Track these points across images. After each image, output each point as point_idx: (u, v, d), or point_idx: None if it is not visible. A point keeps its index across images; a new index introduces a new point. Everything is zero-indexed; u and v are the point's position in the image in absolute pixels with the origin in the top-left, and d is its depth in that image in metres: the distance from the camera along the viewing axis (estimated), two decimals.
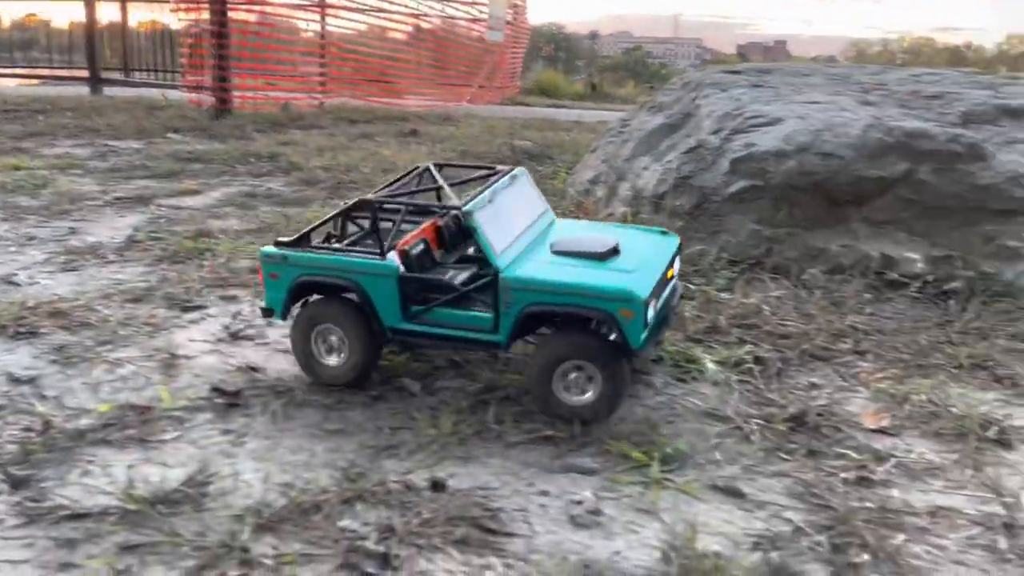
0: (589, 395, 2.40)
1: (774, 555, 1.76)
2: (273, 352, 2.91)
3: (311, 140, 7.91)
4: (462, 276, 2.65)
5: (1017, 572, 1.74)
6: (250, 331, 3.09)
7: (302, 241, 2.66)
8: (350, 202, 2.74)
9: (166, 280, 3.65)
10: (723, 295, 3.47)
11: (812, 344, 3.03)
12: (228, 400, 2.49)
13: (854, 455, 2.27)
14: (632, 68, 44.26)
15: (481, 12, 15.26)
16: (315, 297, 2.65)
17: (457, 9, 15.59)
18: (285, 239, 2.65)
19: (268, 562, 1.66)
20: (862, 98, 4.43)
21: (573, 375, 2.41)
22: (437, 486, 1.96)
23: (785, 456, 2.28)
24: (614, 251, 2.56)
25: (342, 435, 2.31)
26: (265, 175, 6.39)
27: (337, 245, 2.70)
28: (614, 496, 2.04)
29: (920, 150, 3.88)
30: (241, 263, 3.96)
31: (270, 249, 2.63)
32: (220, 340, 3.00)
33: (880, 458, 2.26)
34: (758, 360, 2.90)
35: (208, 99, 9.66)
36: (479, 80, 16.06)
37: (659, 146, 4.62)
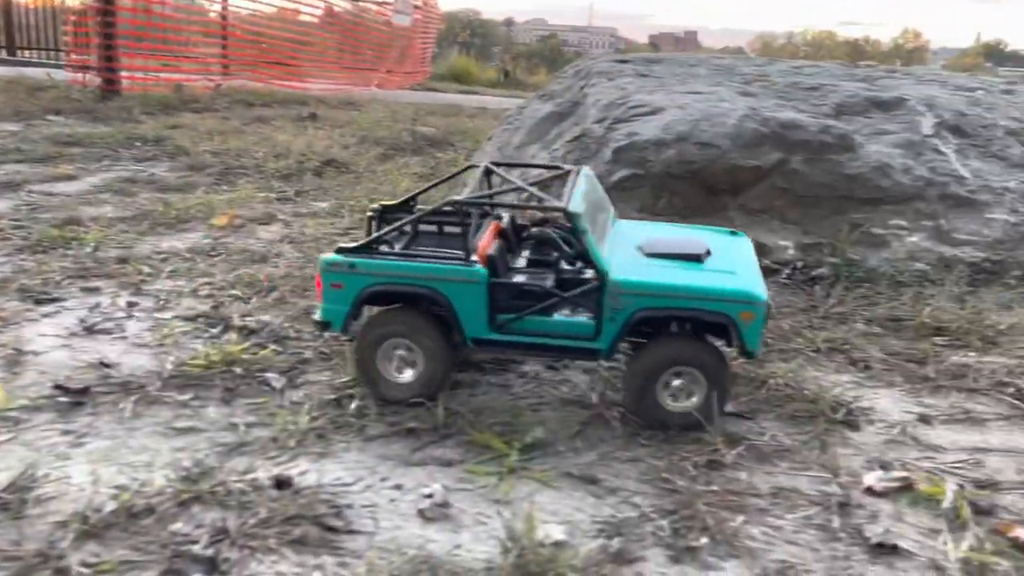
0: (694, 400, 2.33)
1: (614, 541, 1.77)
2: (130, 347, 2.78)
3: (202, 123, 7.61)
4: (545, 281, 2.48)
5: (845, 549, 1.81)
6: (107, 325, 2.94)
7: (367, 248, 2.41)
8: (436, 205, 2.50)
9: (23, 271, 3.44)
10: None
11: None
12: (73, 398, 2.36)
13: (708, 439, 2.31)
14: (547, 56, 44.49)
15: None
16: (375, 309, 2.45)
17: None
18: (348, 246, 2.41)
19: (85, 571, 1.57)
20: (743, 89, 4.54)
21: (676, 382, 2.33)
22: (282, 484, 1.90)
23: (644, 442, 2.31)
24: (708, 253, 2.49)
25: (193, 433, 2.22)
26: (149, 160, 6.12)
27: (403, 251, 2.48)
28: (469, 488, 2.03)
29: (793, 140, 4.01)
30: (110, 252, 3.77)
31: (334, 257, 2.38)
32: (73, 335, 2.85)
33: (733, 442, 2.31)
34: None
35: (94, 79, 9.19)
36: (388, 65, 15.82)
37: (548, 134, 4.63)
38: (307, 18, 14.82)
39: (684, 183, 3.92)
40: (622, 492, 2.04)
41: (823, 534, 1.87)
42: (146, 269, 3.55)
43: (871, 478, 2.10)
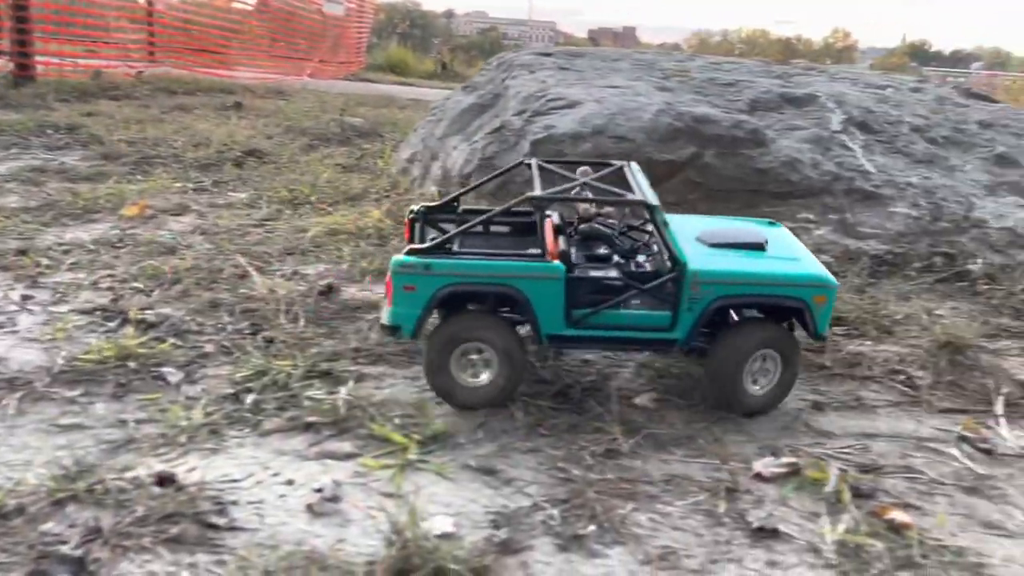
0: (762, 384, 2.43)
1: (502, 532, 1.78)
2: (21, 342, 2.67)
3: (120, 111, 7.36)
4: (612, 274, 2.48)
5: (728, 534, 1.85)
6: None
7: (438, 249, 2.36)
8: (514, 201, 2.49)
9: None
10: None
11: None
12: None
13: (609, 428, 2.34)
14: (487, 49, 44.39)
15: None
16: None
17: None
18: (419, 247, 2.35)
19: None
20: (661, 84, 4.60)
21: (757, 365, 2.40)
22: (164, 481, 1.85)
23: (544, 432, 2.32)
24: (767, 242, 2.58)
25: (78, 430, 2.15)
26: (61, 148, 5.89)
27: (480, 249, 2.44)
28: (363, 482, 2.01)
29: (707, 135, 4.08)
30: (9, 244, 3.62)
31: (407, 258, 2.31)
32: None
33: (633, 431, 2.34)
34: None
35: (6, 65, 8.79)
36: (321, 54, 15.56)
37: (470, 126, 4.61)
38: (240, 5, 14.46)
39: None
40: (518, 482, 2.04)
41: (709, 519, 1.91)
42: (45, 261, 3.41)
43: (760, 464, 2.16)
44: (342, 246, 3.81)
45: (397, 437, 2.21)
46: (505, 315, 2.48)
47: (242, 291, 3.15)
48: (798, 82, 5.06)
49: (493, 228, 2.70)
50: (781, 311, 2.46)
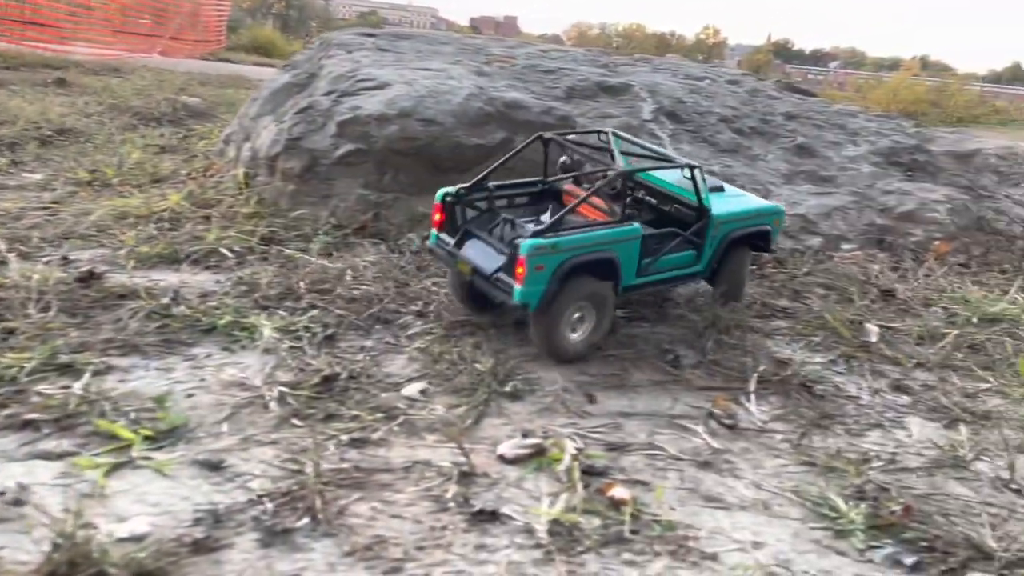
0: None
1: (200, 530, 1.68)
2: None
3: None
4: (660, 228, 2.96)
5: (448, 519, 1.82)
6: None
7: (556, 227, 2.61)
8: (608, 176, 2.82)
9: None
10: (316, 261, 3.38)
11: (383, 307, 3.04)
12: None
13: (367, 416, 2.28)
14: None
15: None
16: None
17: None
18: (540, 228, 2.60)
19: None
20: (479, 69, 4.56)
21: None
22: None
23: (298, 423, 2.24)
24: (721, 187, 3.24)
25: None
26: None
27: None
28: (68, 483, 1.86)
29: (518, 120, 4.07)
30: None
31: (538, 240, 2.53)
32: None
33: (391, 417, 2.29)
34: (326, 326, 2.86)
35: None
36: (173, 31, 14.76)
37: (283, 105, 4.44)
38: None
39: (409, 159, 3.88)
40: (244, 477, 1.95)
41: (434, 505, 1.88)
42: None
43: (505, 446, 2.15)
44: (128, 230, 3.58)
45: (124, 433, 2.06)
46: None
47: None
48: (621, 71, 5.15)
49: (516, 199, 3.05)
50: (756, 236, 3.13)
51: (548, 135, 3.11)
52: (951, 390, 2.80)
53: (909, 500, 2.03)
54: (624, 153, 3.17)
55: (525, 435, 2.24)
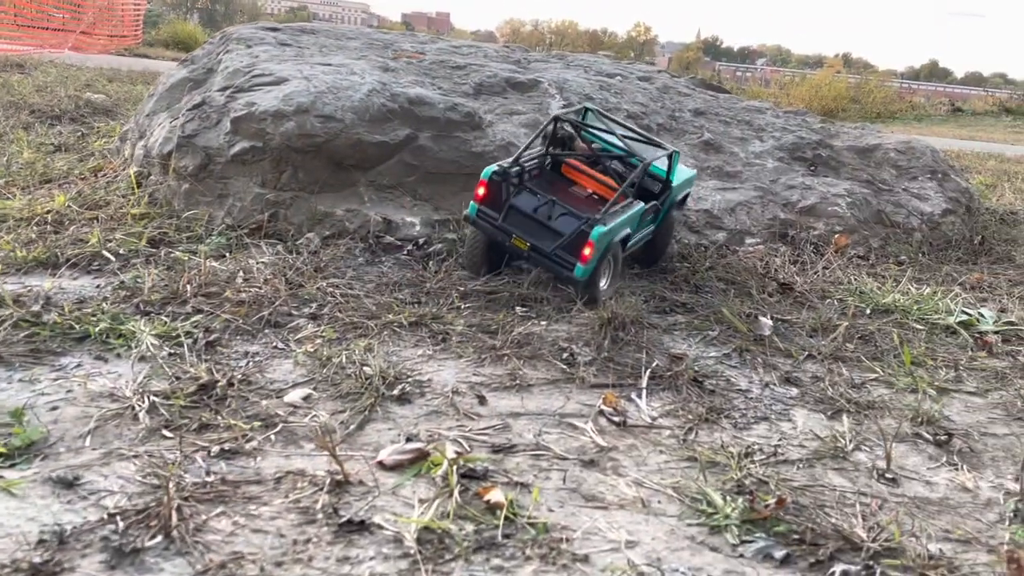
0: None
1: (38, 553, 1.58)
2: None
3: None
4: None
5: (314, 532, 1.75)
6: None
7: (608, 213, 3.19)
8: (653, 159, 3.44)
9: None
10: (206, 263, 3.26)
11: (274, 311, 2.95)
12: None
13: (243, 425, 2.19)
14: None
15: None
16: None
17: None
18: (603, 216, 3.12)
19: None
20: (384, 65, 4.48)
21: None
22: None
23: (168, 434, 2.13)
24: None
25: None
26: None
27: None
28: None
29: (422, 117, 4.01)
30: None
31: (604, 227, 3.08)
32: None
33: (270, 425, 2.21)
34: (208, 331, 2.75)
35: None
36: (83, 26, 14.19)
37: (179, 101, 4.28)
38: None
39: (308, 157, 3.78)
40: (100, 494, 1.84)
41: (301, 517, 1.80)
42: None
43: (384, 452, 2.09)
44: (6, 234, 3.39)
45: None
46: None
47: None
48: (533, 68, 5.13)
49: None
50: (684, 199, 3.92)
51: (561, 115, 3.52)
52: (838, 381, 2.85)
53: (783, 493, 2.04)
54: (604, 130, 3.67)
55: (408, 440, 2.19)
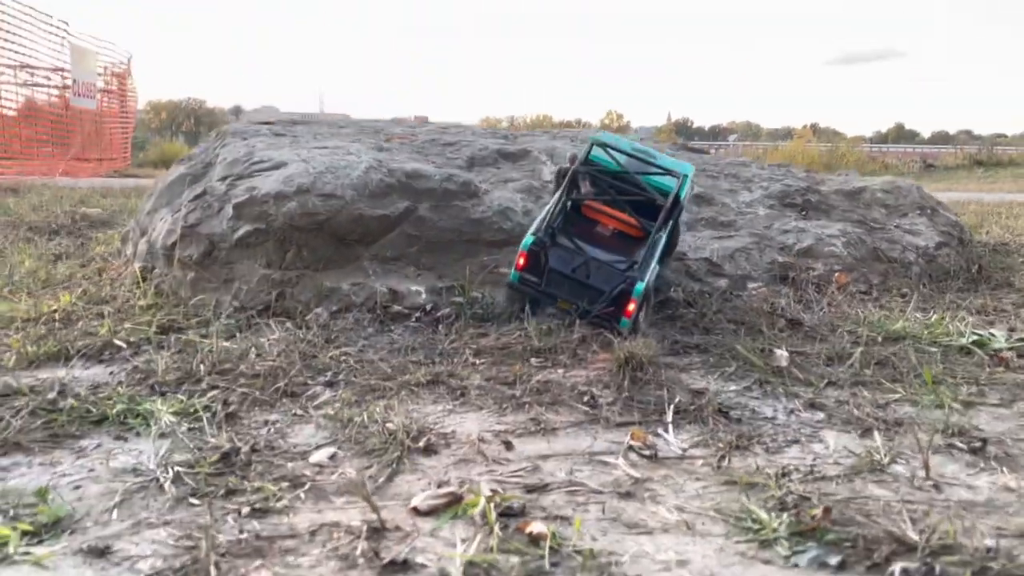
0: None
1: None
2: None
3: None
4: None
5: (357, 572, 1.70)
6: None
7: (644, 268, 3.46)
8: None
9: None
10: (217, 343, 3.26)
11: (289, 381, 2.93)
12: None
13: (271, 486, 2.15)
14: None
15: (67, 79, 13.87)
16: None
17: (37, 76, 14.01)
18: (640, 273, 3.36)
19: None
20: (378, 145, 4.60)
21: None
22: None
23: (196, 501, 2.09)
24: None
25: None
26: None
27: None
28: None
29: (419, 189, 4.10)
30: None
31: (643, 284, 3.28)
32: None
33: (297, 484, 2.17)
34: (226, 403, 2.73)
35: None
36: (75, 151, 14.55)
37: (179, 196, 4.36)
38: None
39: (311, 235, 3.83)
40: (133, 559, 1.79)
41: (342, 563, 1.75)
42: None
43: (418, 499, 2.05)
44: (15, 334, 3.39)
45: (0, 530, 1.88)
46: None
47: None
48: (520, 141, 5.28)
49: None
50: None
51: (574, 166, 3.69)
52: (863, 403, 2.83)
53: (828, 503, 2.00)
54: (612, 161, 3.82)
55: (439, 485, 2.14)
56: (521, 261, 3.35)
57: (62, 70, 13.67)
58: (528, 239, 3.35)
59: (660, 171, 3.72)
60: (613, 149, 3.79)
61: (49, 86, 14.25)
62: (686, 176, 3.64)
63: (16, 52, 12.78)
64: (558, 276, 3.36)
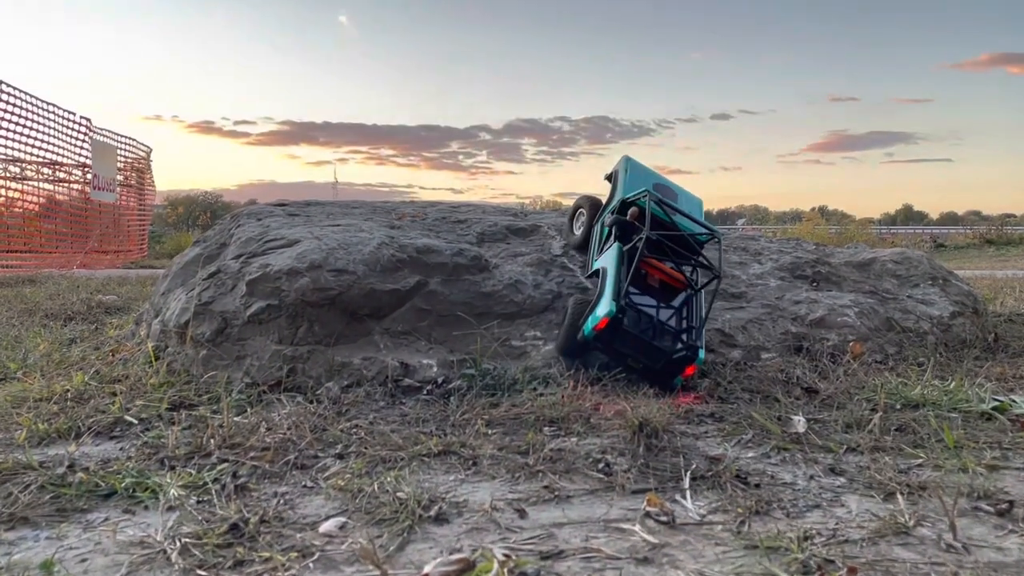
0: None
1: None
2: None
3: None
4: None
5: None
6: None
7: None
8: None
9: None
10: (229, 418, 3.24)
11: (299, 454, 2.90)
12: None
13: (279, 556, 2.10)
14: None
15: (88, 173, 14.29)
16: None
17: (60, 172, 14.44)
18: (696, 344, 3.71)
19: None
20: (389, 223, 4.68)
21: None
22: None
23: (203, 573, 2.04)
24: None
25: None
26: None
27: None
28: None
29: (430, 264, 4.14)
30: None
31: (703, 351, 3.72)
32: None
33: (306, 555, 2.11)
34: (235, 476, 2.69)
35: None
36: (93, 243, 14.84)
37: (193, 277, 4.42)
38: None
39: (323, 310, 3.86)
40: None
41: None
42: None
43: (430, 567, 1.99)
44: (24, 412, 3.39)
45: None
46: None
47: None
48: (529, 218, 5.36)
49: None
50: None
51: (645, 231, 3.84)
52: (885, 468, 2.76)
53: (853, 564, 1.93)
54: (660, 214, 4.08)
55: (452, 553, 2.09)
56: (602, 325, 3.56)
57: (86, 166, 14.10)
58: (611, 310, 3.54)
59: (706, 232, 4.09)
60: (669, 208, 4.05)
61: (71, 181, 14.68)
62: (720, 237, 4.10)
63: (40, 149, 13.22)
64: (629, 337, 3.60)
